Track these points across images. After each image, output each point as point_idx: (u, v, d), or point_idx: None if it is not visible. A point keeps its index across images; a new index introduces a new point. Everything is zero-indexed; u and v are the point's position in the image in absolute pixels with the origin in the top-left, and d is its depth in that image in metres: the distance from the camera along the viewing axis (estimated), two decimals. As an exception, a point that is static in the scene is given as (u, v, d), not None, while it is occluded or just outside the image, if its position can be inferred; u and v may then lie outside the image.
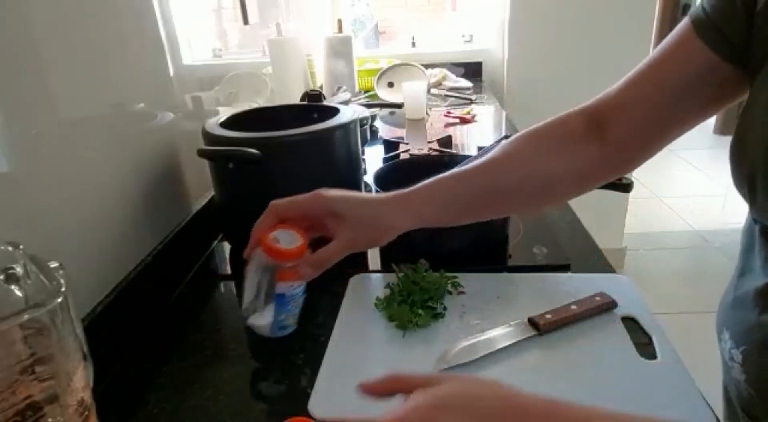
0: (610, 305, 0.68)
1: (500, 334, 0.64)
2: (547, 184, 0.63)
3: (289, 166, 0.82)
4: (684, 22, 0.55)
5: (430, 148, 1.37)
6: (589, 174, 0.63)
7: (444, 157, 1.21)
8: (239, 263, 0.93)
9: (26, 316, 0.36)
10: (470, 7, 2.82)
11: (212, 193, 0.95)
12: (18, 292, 0.37)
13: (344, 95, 1.66)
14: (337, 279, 0.79)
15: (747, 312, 0.56)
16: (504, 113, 1.90)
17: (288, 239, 0.57)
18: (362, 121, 1.32)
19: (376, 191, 0.88)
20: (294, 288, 0.59)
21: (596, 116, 0.62)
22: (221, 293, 0.86)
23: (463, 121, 1.75)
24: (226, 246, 0.96)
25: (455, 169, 0.63)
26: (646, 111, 0.58)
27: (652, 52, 0.58)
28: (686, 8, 5.16)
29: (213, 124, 0.86)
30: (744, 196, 0.52)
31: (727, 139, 0.53)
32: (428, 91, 2.03)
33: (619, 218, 2.55)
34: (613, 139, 0.60)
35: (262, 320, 0.60)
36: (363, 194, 0.61)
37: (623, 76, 0.60)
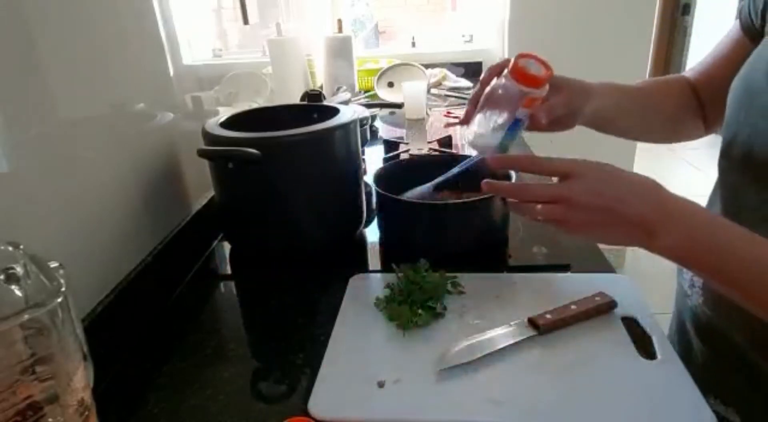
0: (610, 305, 0.68)
1: (500, 334, 0.64)
2: (672, 119, 0.79)
3: (289, 166, 0.82)
4: (735, 23, 0.71)
5: (430, 148, 1.37)
6: (693, 125, 0.79)
7: (444, 157, 1.21)
8: (239, 263, 0.94)
9: (26, 316, 0.35)
10: (470, 7, 2.82)
11: (212, 193, 0.95)
12: (18, 292, 0.37)
13: (344, 95, 1.66)
14: (337, 280, 0.79)
15: None
16: (504, 113, 1.90)
17: (535, 68, 0.63)
18: (362, 121, 1.32)
19: (376, 191, 0.88)
20: (527, 117, 0.65)
21: (691, 84, 0.78)
22: (221, 293, 0.86)
23: (463, 121, 1.74)
24: (226, 246, 0.96)
25: (608, 83, 0.74)
26: (721, 91, 0.68)
27: (720, 41, 0.74)
28: (686, 8, 5.14)
29: (213, 124, 0.86)
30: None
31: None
32: (428, 91, 2.02)
33: (619, 218, 2.55)
34: (704, 105, 0.77)
35: (491, 141, 0.66)
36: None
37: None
